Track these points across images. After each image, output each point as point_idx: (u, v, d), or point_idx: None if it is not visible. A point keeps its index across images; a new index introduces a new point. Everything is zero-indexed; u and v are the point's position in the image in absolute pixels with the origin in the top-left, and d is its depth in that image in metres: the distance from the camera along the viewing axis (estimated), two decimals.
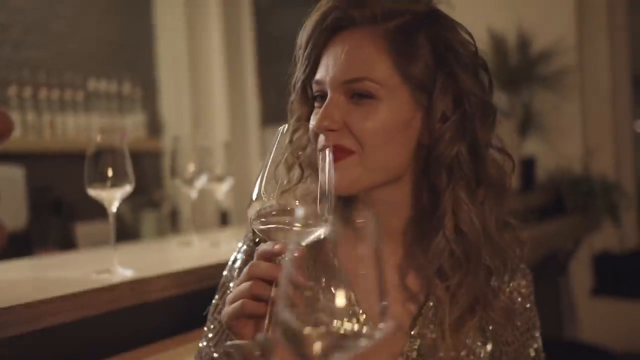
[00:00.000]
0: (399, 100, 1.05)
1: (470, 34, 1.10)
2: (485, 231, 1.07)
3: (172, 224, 4.41)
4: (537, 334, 1.22)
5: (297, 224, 0.89)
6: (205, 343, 1.13)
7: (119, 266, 1.51)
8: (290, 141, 1.09)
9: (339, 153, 1.03)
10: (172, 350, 1.46)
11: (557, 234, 3.33)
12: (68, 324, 1.33)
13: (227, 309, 0.93)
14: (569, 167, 3.81)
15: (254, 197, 0.94)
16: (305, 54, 1.11)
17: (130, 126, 4.46)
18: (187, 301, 1.54)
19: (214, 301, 1.16)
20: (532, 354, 1.20)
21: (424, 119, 1.08)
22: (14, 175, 3.71)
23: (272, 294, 0.89)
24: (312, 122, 1.07)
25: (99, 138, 1.49)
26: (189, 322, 1.47)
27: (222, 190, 2.22)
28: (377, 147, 1.04)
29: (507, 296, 1.16)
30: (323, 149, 0.99)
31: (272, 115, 4.91)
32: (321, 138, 1.05)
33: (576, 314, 3.95)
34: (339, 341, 0.61)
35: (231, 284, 1.14)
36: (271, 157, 0.97)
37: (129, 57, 4.70)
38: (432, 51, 1.06)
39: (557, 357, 2.67)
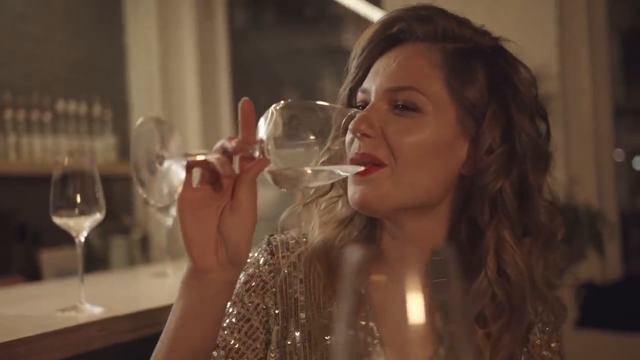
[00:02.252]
0: (444, 119, 0.98)
1: (534, 78, 1.05)
2: (530, 279, 0.98)
3: (143, 251, 4.27)
4: None
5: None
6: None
7: (86, 303, 1.37)
8: (329, 148, 1.01)
9: (370, 164, 0.96)
10: None
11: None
12: None
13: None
14: (554, 195, 3.74)
15: None
16: (357, 62, 1.06)
17: (100, 149, 4.33)
18: None
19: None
20: None
21: (469, 149, 1.00)
22: None
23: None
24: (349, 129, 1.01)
25: (66, 161, 1.35)
26: None
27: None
28: (412, 163, 0.97)
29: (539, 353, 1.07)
30: (354, 157, 0.97)
31: None
32: (355, 146, 0.99)
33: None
34: None
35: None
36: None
37: (100, 79, 4.58)
38: (488, 80, 1.00)
39: None
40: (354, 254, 0.57)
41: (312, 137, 0.90)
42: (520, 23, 3.93)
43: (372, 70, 1.04)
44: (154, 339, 1.38)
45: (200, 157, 0.87)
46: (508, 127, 0.99)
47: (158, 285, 1.84)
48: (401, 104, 0.98)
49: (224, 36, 4.99)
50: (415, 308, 0.56)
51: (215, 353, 1.03)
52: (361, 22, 4.52)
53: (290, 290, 1.06)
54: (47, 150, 3.93)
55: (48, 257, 3.59)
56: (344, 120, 0.97)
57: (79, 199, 1.35)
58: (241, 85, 4.99)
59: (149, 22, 4.70)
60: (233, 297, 1.06)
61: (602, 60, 4.09)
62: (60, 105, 4.13)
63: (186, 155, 0.87)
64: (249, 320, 1.05)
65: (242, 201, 0.88)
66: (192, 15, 4.72)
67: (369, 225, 1.06)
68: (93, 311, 1.35)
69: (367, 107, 1.00)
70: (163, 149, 0.86)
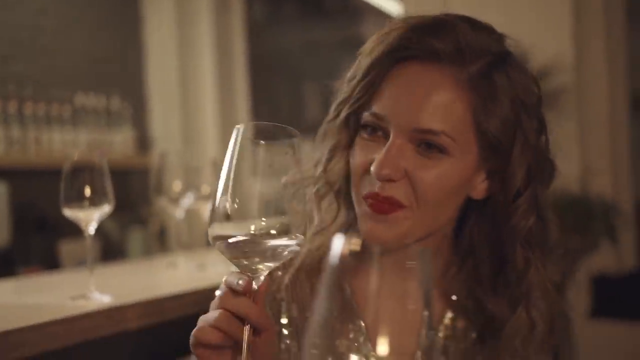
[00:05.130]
0: (468, 159, 0.97)
1: (538, 85, 1.03)
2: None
3: (161, 242, 4.32)
4: None
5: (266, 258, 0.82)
6: None
7: (96, 291, 1.42)
8: (325, 170, 1.02)
9: (389, 206, 0.94)
10: None
11: (554, 256, 3.24)
12: (39, 355, 1.23)
13: (192, 333, 0.85)
14: (567, 187, 3.73)
15: (216, 210, 0.83)
16: (366, 80, 0.97)
17: (119, 142, 4.38)
18: (169, 330, 1.44)
19: None
20: None
21: (487, 180, 1.01)
22: None
23: (245, 331, 0.82)
24: (359, 157, 0.97)
25: (76, 155, 1.40)
26: (170, 353, 1.37)
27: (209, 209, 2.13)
28: (434, 204, 0.96)
29: None
30: (372, 198, 0.93)
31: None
32: (372, 185, 0.95)
33: (573, 337, 3.87)
34: None
35: None
36: (233, 162, 0.84)
37: (118, 73, 4.62)
38: (510, 102, 0.97)
39: None
40: (339, 251, 0.57)
41: None
42: (535, 14, 3.91)
43: (386, 94, 0.96)
44: (160, 326, 1.43)
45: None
46: (532, 161, 1.00)
47: (167, 276, 1.88)
48: (427, 143, 0.94)
49: (241, 29, 5.00)
50: (400, 300, 0.56)
51: None
52: (381, 14, 4.52)
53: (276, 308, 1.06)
54: (66, 143, 3.98)
55: (67, 248, 3.66)
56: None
57: (88, 192, 1.39)
58: (259, 79, 5.01)
59: (167, 15, 4.73)
60: None
61: (618, 50, 4.05)
62: (79, 99, 4.17)
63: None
64: None
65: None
66: (210, 8, 4.73)
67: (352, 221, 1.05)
68: (102, 300, 1.39)
69: (389, 146, 0.94)
70: None
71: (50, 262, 3.61)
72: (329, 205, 1.04)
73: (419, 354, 0.55)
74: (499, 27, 1.03)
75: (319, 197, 1.03)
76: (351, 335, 0.55)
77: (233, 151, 0.83)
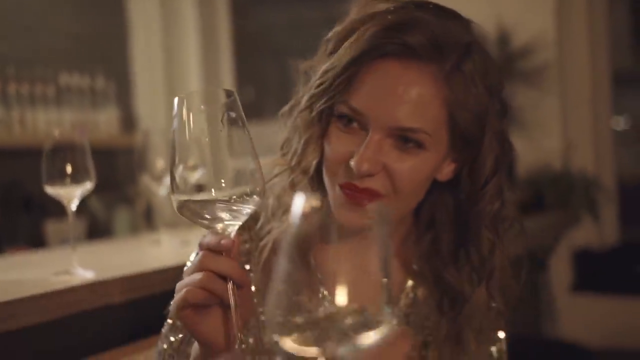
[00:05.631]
0: (440, 149, 1.00)
1: (494, 58, 1.07)
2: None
3: (147, 221, 4.33)
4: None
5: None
6: (165, 346, 1.07)
7: (79, 267, 1.44)
8: (299, 162, 1.05)
9: (367, 196, 0.97)
10: (136, 355, 1.39)
11: (537, 230, 3.29)
12: (24, 328, 1.26)
13: (175, 299, 0.88)
14: (549, 163, 3.77)
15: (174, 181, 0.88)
16: (345, 76, 0.98)
17: (104, 122, 4.38)
18: (152, 304, 1.47)
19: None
20: (495, 355, 1.16)
21: (455, 167, 1.05)
22: None
23: (230, 289, 0.86)
24: (335, 148, 1.00)
25: (57, 133, 1.41)
26: (155, 326, 1.40)
27: (195, 177, 2.15)
28: (410, 193, 1.01)
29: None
30: (350, 188, 0.97)
31: (249, 112, 4.82)
32: (348, 175, 0.98)
33: (555, 311, 3.93)
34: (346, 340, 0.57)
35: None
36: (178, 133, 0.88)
37: (103, 51, 4.61)
38: (480, 90, 1.00)
39: (536, 355, 2.65)
40: (300, 209, 0.60)
41: None
42: None
43: (364, 89, 0.97)
44: (142, 300, 1.46)
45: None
46: (500, 150, 1.04)
47: (150, 252, 1.91)
48: (405, 139, 0.97)
49: (226, 7, 4.99)
50: (360, 266, 0.58)
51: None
52: None
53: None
54: (50, 123, 3.98)
55: (53, 227, 3.67)
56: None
57: (69, 169, 1.41)
58: (244, 57, 5.01)
59: None
60: None
61: (601, 27, 4.07)
62: (63, 79, 4.17)
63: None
64: None
65: None
66: None
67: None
68: (85, 275, 1.41)
69: (368, 142, 0.96)
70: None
71: (36, 242, 3.62)
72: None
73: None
74: (481, 5, 1.03)
75: (293, 186, 1.06)
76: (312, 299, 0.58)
77: (183, 120, 0.88)
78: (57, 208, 1.57)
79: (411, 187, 0.99)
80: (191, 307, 0.87)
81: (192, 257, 1.08)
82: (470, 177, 1.04)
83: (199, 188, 0.89)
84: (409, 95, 0.96)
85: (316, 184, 1.05)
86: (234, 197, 0.87)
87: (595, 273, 3.89)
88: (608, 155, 4.11)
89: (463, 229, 1.07)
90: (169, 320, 1.09)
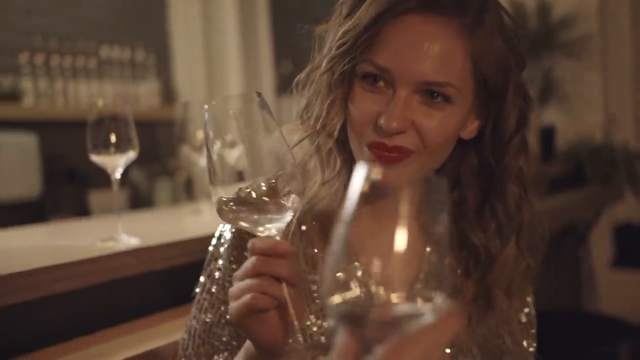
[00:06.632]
0: (467, 103, 1.00)
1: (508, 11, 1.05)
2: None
3: (187, 192, 4.39)
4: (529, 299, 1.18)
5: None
6: (197, 325, 1.08)
7: (124, 234, 1.48)
8: (324, 127, 1.03)
9: (397, 154, 0.97)
10: (176, 320, 1.42)
11: (577, 204, 3.26)
12: (71, 292, 1.30)
13: (236, 305, 0.87)
14: (590, 136, 3.72)
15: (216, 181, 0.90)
16: (368, 34, 0.96)
17: (144, 94, 4.42)
18: (193, 270, 1.50)
19: (201, 280, 1.10)
20: (524, 319, 1.16)
21: (479, 123, 1.05)
22: (28, 143, 3.71)
23: (285, 291, 0.86)
24: (361, 108, 0.99)
25: (100, 103, 1.45)
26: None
27: (234, 156, 2.18)
28: (439, 149, 1.00)
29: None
30: (380, 147, 0.96)
31: (286, 84, 4.84)
32: (373, 129, 0.98)
33: (596, 286, 3.90)
34: (395, 320, 0.55)
35: (219, 262, 1.09)
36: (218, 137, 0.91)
37: (142, 24, 4.65)
38: (502, 43, 1.00)
39: (576, 329, 2.65)
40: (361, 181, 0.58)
41: None
42: None
43: (389, 46, 0.96)
44: (184, 267, 1.49)
45: None
46: (524, 102, 1.04)
47: (192, 221, 1.95)
48: (433, 93, 0.96)
49: None
50: (402, 237, 0.56)
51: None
52: None
53: None
54: (92, 95, 4.05)
55: (96, 198, 3.75)
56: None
57: (113, 139, 1.44)
58: (281, 30, 5.00)
59: None
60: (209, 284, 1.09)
61: None
62: (104, 51, 4.22)
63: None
64: None
65: None
66: None
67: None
68: (130, 242, 1.45)
69: (396, 100, 0.95)
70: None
71: (80, 212, 3.71)
72: (330, 156, 1.05)
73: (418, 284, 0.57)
74: None
75: (319, 150, 1.05)
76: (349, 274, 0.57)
77: (212, 127, 0.91)
78: (100, 179, 1.60)
79: (440, 142, 0.99)
80: (256, 312, 0.87)
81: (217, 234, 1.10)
82: (495, 132, 1.04)
83: (240, 176, 0.89)
84: (434, 49, 0.95)
85: (342, 146, 1.05)
86: (272, 181, 0.87)
87: (637, 248, 3.84)
88: None
89: (489, 186, 1.06)
90: (197, 300, 1.09)
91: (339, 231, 0.57)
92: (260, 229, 0.88)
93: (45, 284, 1.24)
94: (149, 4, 4.74)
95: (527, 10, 3.73)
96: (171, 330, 1.37)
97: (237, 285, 0.88)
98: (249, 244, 0.88)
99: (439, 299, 0.56)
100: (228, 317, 0.92)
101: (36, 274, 1.23)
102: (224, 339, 1.06)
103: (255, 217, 0.87)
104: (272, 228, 0.88)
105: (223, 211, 0.89)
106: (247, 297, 0.86)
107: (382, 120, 0.95)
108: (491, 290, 1.07)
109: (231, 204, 0.88)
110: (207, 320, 1.07)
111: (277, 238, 0.88)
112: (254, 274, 0.86)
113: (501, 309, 1.08)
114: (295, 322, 0.87)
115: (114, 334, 1.37)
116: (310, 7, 5.32)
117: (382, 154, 0.97)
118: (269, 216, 0.88)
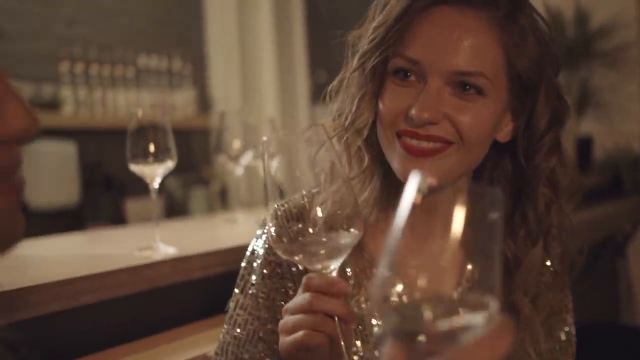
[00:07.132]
0: (500, 97, 0.98)
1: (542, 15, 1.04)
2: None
3: (222, 200, 4.42)
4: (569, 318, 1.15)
5: None
6: (230, 340, 1.07)
7: (161, 243, 1.49)
8: (353, 123, 1.02)
9: (435, 144, 0.96)
10: (214, 330, 1.43)
11: (615, 215, 3.21)
12: (108, 301, 1.31)
13: (288, 341, 0.86)
14: (628, 146, 3.67)
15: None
16: (397, 27, 0.96)
17: (180, 103, 4.46)
18: (229, 280, 1.51)
19: (235, 294, 1.10)
20: (563, 337, 1.13)
21: (514, 121, 1.03)
22: (67, 151, 3.76)
23: (338, 327, 0.85)
24: (391, 103, 0.98)
25: (140, 113, 1.46)
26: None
27: (270, 167, 2.18)
28: (476, 144, 0.98)
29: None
30: (411, 135, 0.95)
31: (321, 93, 4.84)
32: (403, 121, 0.96)
33: (634, 298, 3.83)
34: (448, 333, 0.53)
35: (253, 277, 1.08)
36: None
37: (179, 33, 4.70)
38: (535, 41, 0.99)
39: (613, 342, 2.60)
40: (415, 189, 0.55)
41: None
42: None
43: (420, 37, 0.95)
44: (221, 276, 1.50)
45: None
46: (557, 102, 1.02)
47: (228, 230, 1.96)
48: (465, 84, 0.95)
49: None
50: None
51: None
52: None
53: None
54: (130, 104, 4.08)
55: (132, 206, 3.80)
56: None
57: (152, 148, 1.45)
58: (316, 39, 5.01)
59: None
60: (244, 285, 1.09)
61: None
62: (142, 60, 4.27)
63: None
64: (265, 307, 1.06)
65: None
66: None
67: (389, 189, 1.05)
68: (167, 251, 1.46)
69: (427, 90, 0.94)
70: None
71: (116, 220, 3.75)
72: (357, 154, 1.04)
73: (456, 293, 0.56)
74: None
75: (347, 147, 1.03)
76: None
77: (267, 162, 0.93)
78: (136, 187, 1.61)
79: (477, 137, 0.97)
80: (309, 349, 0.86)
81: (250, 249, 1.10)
82: (527, 131, 1.02)
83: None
84: (465, 39, 0.94)
85: (370, 145, 1.03)
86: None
87: None
88: None
89: (520, 189, 1.04)
90: (230, 315, 1.09)
91: (391, 243, 0.55)
92: (319, 266, 0.86)
93: (84, 293, 1.26)
94: (186, 14, 4.79)
95: (564, 19, 3.69)
96: (206, 340, 1.38)
97: (290, 320, 0.87)
98: (304, 279, 0.86)
99: (491, 309, 0.54)
100: (278, 349, 0.90)
101: (75, 283, 1.25)
102: (257, 355, 1.05)
103: (307, 251, 0.85)
104: (330, 265, 0.86)
105: (277, 244, 0.87)
106: (300, 334, 0.85)
107: (413, 111, 0.94)
108: (515, 294, 1.04)
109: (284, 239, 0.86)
110: (241, 336, 1.06)
111: (334, 274, 0.86)
112: (307, 310, 0.85)
113: (530, 325, 1.05)
114: (346, 356, 0.86)
115: (150, 343, 1.39)
116: (346, 16, 5.34)
117: (413, 147, 0.96)
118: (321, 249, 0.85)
